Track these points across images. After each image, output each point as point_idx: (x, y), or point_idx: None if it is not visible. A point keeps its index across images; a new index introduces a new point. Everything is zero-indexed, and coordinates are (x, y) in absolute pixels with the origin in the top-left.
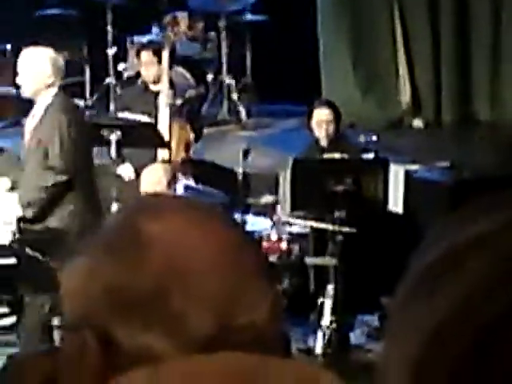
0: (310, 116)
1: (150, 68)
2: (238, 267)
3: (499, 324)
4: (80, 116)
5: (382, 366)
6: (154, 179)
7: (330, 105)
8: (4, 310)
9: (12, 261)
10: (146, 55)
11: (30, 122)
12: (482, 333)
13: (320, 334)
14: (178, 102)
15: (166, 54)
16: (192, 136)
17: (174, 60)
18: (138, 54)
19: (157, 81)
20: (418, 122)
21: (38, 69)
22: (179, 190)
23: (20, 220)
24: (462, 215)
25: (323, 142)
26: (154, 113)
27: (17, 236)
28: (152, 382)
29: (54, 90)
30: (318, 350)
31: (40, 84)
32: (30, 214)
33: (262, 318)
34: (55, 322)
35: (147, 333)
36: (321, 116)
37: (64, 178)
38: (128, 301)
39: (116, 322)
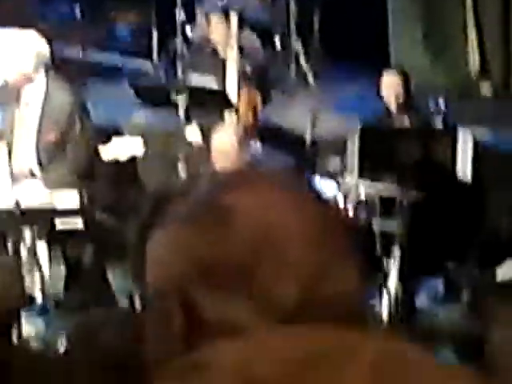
0: (379, 82)
1: (218, 32)
2: (326, 239)
3: None
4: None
5: None
6: (225, 142)
7: (400, 71)
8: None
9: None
10: (215, 19)
11: (24, 110)
12: None
13: (386, 298)
14: (247, 67)
15: (234, 18)
16: (260, 100)
17: (243, 23)
18: (206, 18)
19: (225, 44)
20: (486, 90)
21: (20, 56)
22: (248, 153)
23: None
24: None
25: (392, 108)
26: (221, 77)
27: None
28: (240, 356)
29: (42, 74)
30: (384, 313)
31: (23, 71)
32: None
33: (349, 291)
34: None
35: (232, 303)
36: (391, 83)
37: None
38: (213, 271)
39: (201, 292)
